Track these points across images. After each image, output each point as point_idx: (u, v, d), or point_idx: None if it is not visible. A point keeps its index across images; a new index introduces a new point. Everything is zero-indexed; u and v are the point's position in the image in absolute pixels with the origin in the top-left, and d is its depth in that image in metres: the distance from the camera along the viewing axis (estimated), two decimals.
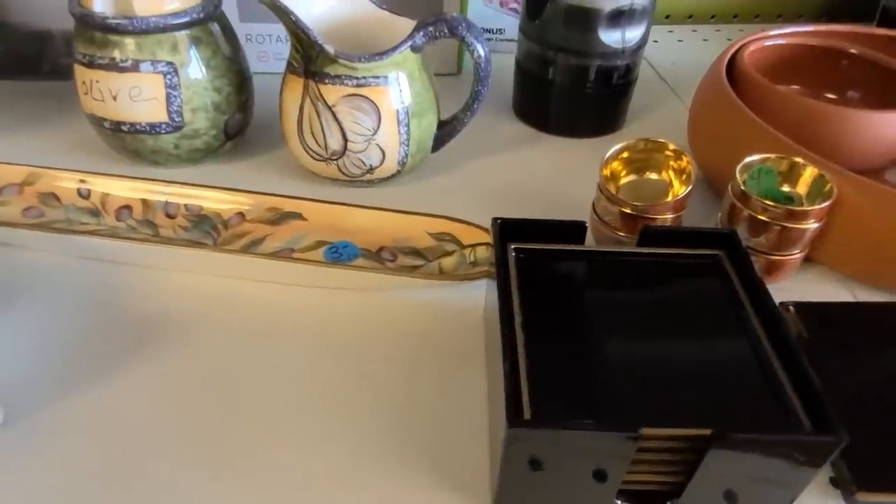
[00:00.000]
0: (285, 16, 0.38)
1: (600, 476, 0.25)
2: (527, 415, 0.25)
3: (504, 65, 0.55)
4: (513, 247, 0.31)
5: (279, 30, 0.57)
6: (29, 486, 0.28)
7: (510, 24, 0.63)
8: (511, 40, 0.64)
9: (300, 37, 0.39)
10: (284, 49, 0.58)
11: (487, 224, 0.39)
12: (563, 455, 0.24)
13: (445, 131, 0.45)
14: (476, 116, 0.45)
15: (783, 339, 0.27)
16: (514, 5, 0.63)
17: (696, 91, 0.50)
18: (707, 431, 0.23)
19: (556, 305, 0.30)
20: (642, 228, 0.32)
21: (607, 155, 0.39)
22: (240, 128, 0.46)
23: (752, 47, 0.50)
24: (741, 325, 0.29)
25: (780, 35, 0.52)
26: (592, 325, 0.29)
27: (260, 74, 0.49)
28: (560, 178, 0.48)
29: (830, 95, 0.53)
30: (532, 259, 0.31)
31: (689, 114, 0.50)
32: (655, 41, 0.70)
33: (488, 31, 0.64)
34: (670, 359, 0.28)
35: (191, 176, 0.45)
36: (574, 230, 0.32)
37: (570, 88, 0.50)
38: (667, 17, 0.75)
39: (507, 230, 0.32)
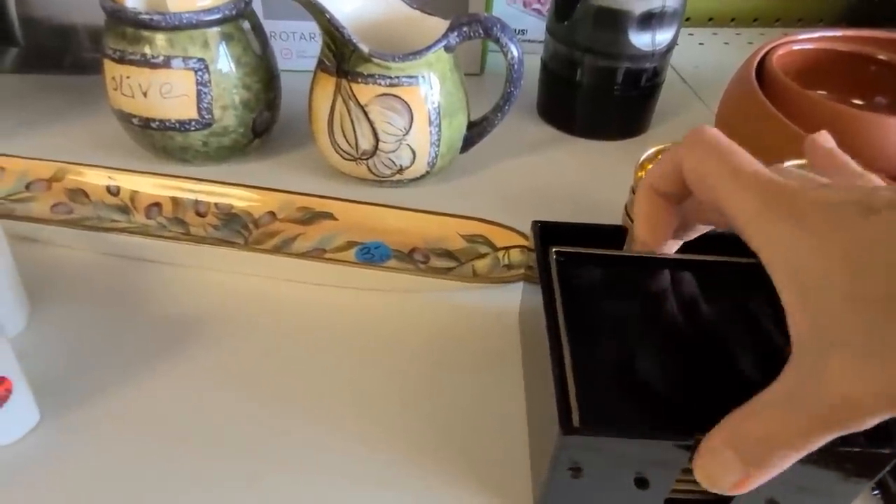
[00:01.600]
0: (320, 14, 0.38)
1: (645, 483, 0.25)
2: (575, 422, 0.24)
3: (527, 64, 0.54)
4: (554, 250, 0.31)
5: (303, 27, 0.56)
6: (65, 484, 0.27)
7: (533, 24, 0.63)
8: (533, 41, 0.63)
9: (334, 35, 0.38)
10: (308, 46, 0.58)
11: (519, 226, 0.39)
12: (611, 462, 0.24)
13: (475, 132, 0.45)
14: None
15: None
16: (538, 6, 0.62)
17: (723, 94, 0.49)
18: None
19: (599, 310, 0.29)
20: None
21: (642, 157, 0.39)
22: (267, 126, 0.46)
23: (780, 51, 0.50)
24: (788, 332, 0.29)
25: (808, 39, 0.52)
26: (637, 331, 0.29)
27: (283, 72, 0.48)
28: (587, 180, 0.48)
29: (857, 101, 0.53)
30: (573, 263, 0.31)
31: (716, 117, 0.50)
32: (677, 44, 0.70)
33: None
34: (717, 366, 0.27)
35: (218, 173, 0.44)
36: (614, 234, 0.32)
37: (597, 90, 0.50)
38: (687, 19, 0.75)
39: (546, 233, 0.31)
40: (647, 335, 0.29)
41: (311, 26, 0.39)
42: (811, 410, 0.19)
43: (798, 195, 0.20)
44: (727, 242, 0.32)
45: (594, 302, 0.30)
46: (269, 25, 0.55)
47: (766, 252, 0.20)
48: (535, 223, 0.31)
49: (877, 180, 0.24)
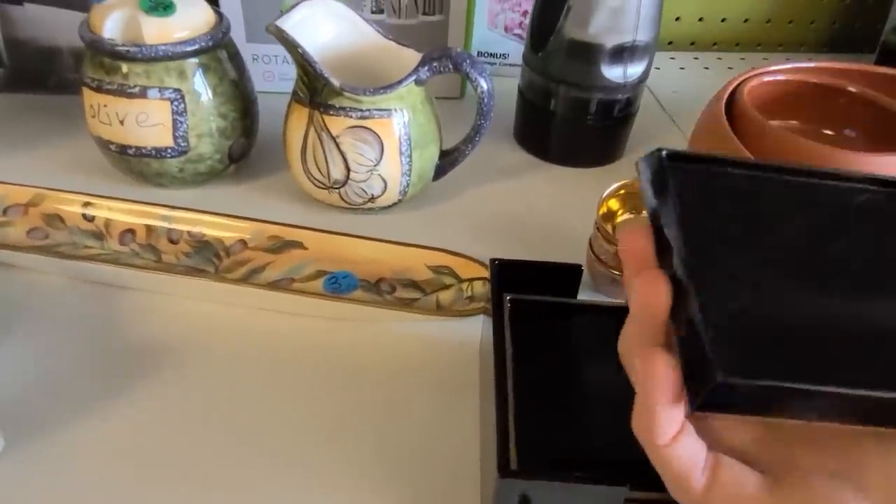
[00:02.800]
0: (293, 48, 0.39)
1: None
2: (515, 463, 0.25)
3: (507, 88, 0.55)
4: (508, 297, 0.32)
5: (285, 51, 0.57)
6: None
7: (514, 48, 0.64)
8: (514, 65, 0.64)
9: (307, 69, 0.39)
10: (290, 70, 0.58)
11: (485, 257, 0.40)
12: (559, 496, 0.25)
13: (447, 161, 0.46)
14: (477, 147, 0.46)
15: None
16: (518, 31, 0.63)
17: (695, 127, 0.50)
18: None
19: (549, 355, 0.30)
20: None
21: (604, 194, 0.40)
22: (243, 151, 0.47)
23: (752, 83, 0.51)
24: None
25: (780, 71, 0.53)
26: (583, 378, 0.30)
27: (265, 93, 0.49)
28: (559, 207, 0.49)
29: (828, 132, 0.54)
30: (527, 308, 0.32)
31: (688, 146, 0.51)
32: (657, 68, 0.70)
33: (492, 55, 0.65)
34: None
35: (194, 197, 0.45)
36: (570, 273, 0.33)
37: (571, 120, 0.51)
38: (669, 43, 0.76)
39: (503, 271, 0.32)
40: (591, 382, 0.30)
41: None
42: None
43: None
44: None
45: (546, 347, 0.31)
46: (251, 48, 0.56)
47: None
48: (492, 261, 0.32)
49: None
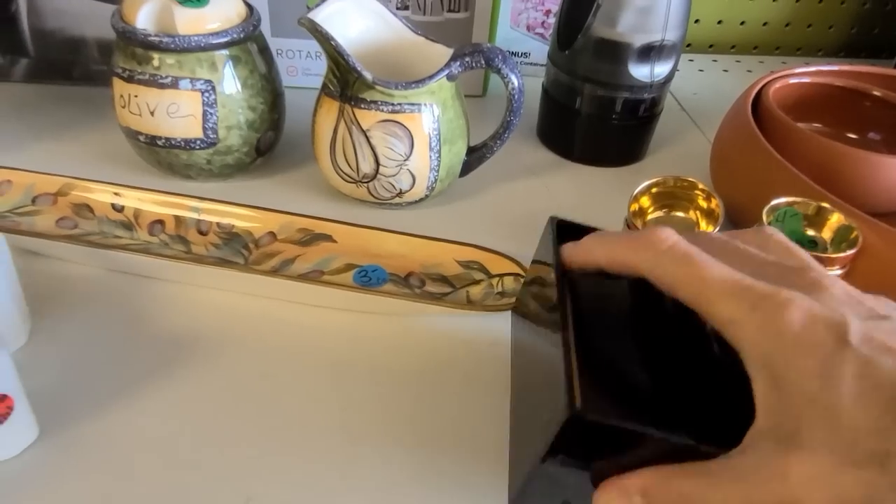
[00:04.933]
0: (325, 41, 0.39)
1: None
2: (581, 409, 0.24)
3: (529, 88, 0.55)
4: (556, 220, 0.31)
5: (309, 45, 0.57)
6: (62, 500, 0.28)
7: (536, 48, 0.64)
8: (536, 64, 0.65)
9: (338, 61, 0.39)
10: (313, 64, 0.59)
11: (514, 252, 0.40)
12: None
13: (474, 157, 0.46)
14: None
15: None
16: (541, 30, 0.63)
17: (720, 126, 0.50)
18: None
19: (607, 327, 0.29)
20: None
21: (636, 190, 0.39)
22: (271, 144, 0.47)
23: (777, 84, 0.51)
24: None
25: (805, 73, 0.53)
26: (638, 345, 0.28)
27: (288, 88, 0.49)
28: (583, 206, 0.49)
29: (852, 135, 0.54)
30: (579, 279, 0.31)
31: (711, 148, 0.51)
32: (677, 70, 0.71)
33: (514, 54, 0.65)
34: (719, 392, 0.27)
35: (221, 190, 0.45)
36: None
37: (596, 118, 0.51)
38: (688, 45, 0.76)
39: (562, 230, 0.32)
40: (648, 352, 0.28)
41: (318, 45, 0.40)
42: (753, 494, 0.20)
43: (771, 301, 0.21)
44: None
45: (601, 319, 0.29)
46: (276, 43, 0.57)
47: (746, 350, 0.21)
48: (551, 219, 0.32)
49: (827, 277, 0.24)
